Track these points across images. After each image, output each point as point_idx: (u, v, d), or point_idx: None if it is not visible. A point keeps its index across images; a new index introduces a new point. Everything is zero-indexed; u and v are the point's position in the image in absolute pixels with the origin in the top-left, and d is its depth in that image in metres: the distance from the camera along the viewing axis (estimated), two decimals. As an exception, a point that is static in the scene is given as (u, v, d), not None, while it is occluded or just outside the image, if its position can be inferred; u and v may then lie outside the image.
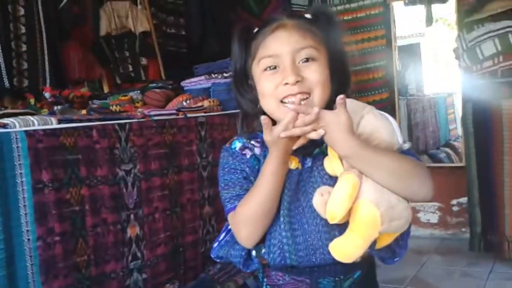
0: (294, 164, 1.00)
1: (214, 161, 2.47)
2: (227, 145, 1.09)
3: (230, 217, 1.02)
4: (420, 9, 4.04)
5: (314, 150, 1.01)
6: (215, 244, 1.08)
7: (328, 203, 0.91)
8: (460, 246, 3.53)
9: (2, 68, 2.61)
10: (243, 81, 1.07)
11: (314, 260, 0.96)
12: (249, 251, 1.01)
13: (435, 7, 3.98)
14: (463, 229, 3.71)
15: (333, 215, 0.90)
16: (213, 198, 2.44)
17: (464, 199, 3.60)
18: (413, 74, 4.63)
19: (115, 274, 1.89)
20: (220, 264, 2.28)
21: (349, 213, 0.91)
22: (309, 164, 1.00)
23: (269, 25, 1.01)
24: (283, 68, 0.98)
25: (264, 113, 1.03)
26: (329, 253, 0.94)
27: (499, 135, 3.09)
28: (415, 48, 4.74)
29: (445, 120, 4.65)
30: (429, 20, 4.07)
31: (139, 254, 2.00)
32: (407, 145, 0.99)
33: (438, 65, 4.88)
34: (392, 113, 3.85)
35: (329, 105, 0.99)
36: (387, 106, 3.89)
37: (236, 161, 1.04)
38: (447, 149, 4.31)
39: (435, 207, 3.80)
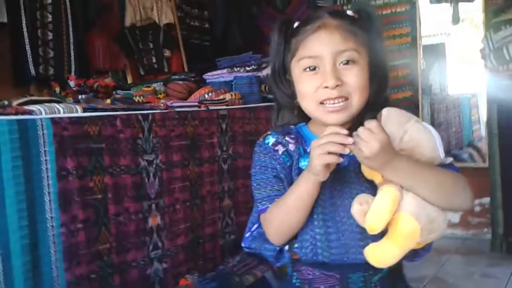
0: None
1: (234, 154, 2.47)
2: (261, 139, 1.09)
3: (261, 218, 1.04)
4: (446, 8, 3.98)
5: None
6: (247, 234, 1.08)
7: (368, 216, 0.91)
8: (481, 246, 3.49)
9: (28, 56, 2.66)
10: (281, 75, 1.07)
11: (346, 258, 0.97)
12: (282, 247, 1.02)
13: (462, 6, 3.92)
14: (485, 230, 3.66)
15: (373, 228, 0.91)
16: (233, 191, 2.45)
17: (486, 200, 3.55)
18: (437, 73, 4.57)
19: (136, 263, 1.90)
20: (239, 256, 2.29)
21: (388, 223, 0.92)
22: (345, 163, 1.00)
23: (311, 23, 1.00)
24: (323, 71, 0.98)
25: (300, 108, 1.05)
26: (361, 253, 0.95)
27: (524, 137, 3.04)
28: (440, 48, 4.68)
29: (468, 121, 4.58)
30: (456, 19, 4.01)
31: (159, 244, 2.01)
32: (449, 160, 0.99)
33: (463, 65, 4.81)
34: (416, 112, 3.81)
35: (367, 107, 1.00)
36: (411, 105, 3.85)
37: (267, 158, 1.05)
38: (470, 150, 4.25)
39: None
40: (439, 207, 0.94)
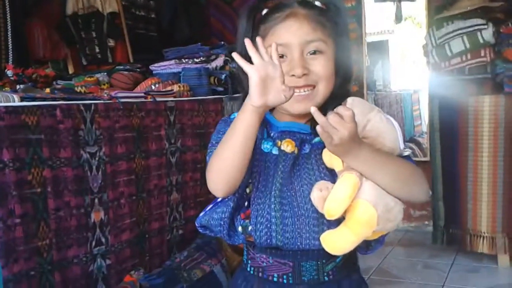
0: (290, 147, 1.00)
1: (183, 147, 2.42)
2: (226, 116, 1.10)
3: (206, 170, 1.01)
4: (390, 6, 4.08)
5: (314, 138, 1.01)
6: (201, 214, 1.07)
7: (327, 201, 0.91)
8: (422, 238, 3.60)
9: (-39, 43, 2.49)
10: (248, 60, 1.05)
11: (299, 243, 0.97)
12: (231, 221, 1.01)
13: (405, 4, 4.03)
14: (426, 222, 3.79)
15: (331, 213, 0.91)
16: (181, 185, 2.40)
17: (427, 193, 3.67)
18: (381, 70, 4.69)
19: (78, 259, 1.82)
20: (187, 251, 2.24)
21: (345, 209, 0.92)
22: (307, 150, 1.01)
23: (281, 11, 1.00)
24: (290, 59, 0.99)
25: None
26: (315, 239, 0.96)
27: (465, 132, 3.15)
28: (383, 45, 4.80)
29: (410, 116, 4.73)
30: (399, 17, 4.13)
31: (103, 240, 1.93)
32: (407, 152, 1.00)
33: (405, 62, 4.95)
34: (361, 106, 3.88)
35: (331, 98, 1.01)
36: (356, 100, 3.91)
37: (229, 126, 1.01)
38: (412, 145, 4.38)
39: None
40: (397, 196, 0.95)
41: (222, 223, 1.02)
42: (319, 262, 1.00)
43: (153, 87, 2.51)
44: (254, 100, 0.88)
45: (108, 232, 1.96)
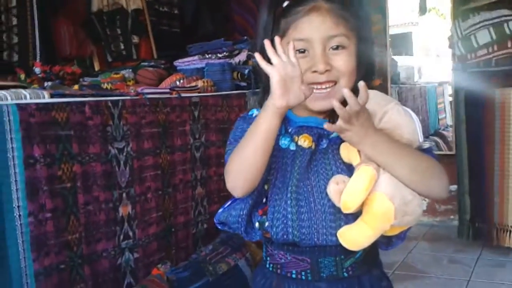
0: (307, 142, 1.00)
1: (207, 142, 2.44)
2: (244, 113, 1.10)
3: (225, 169, 1.01)
4: (414, -2, 4.04)
5: (332, 133, 1.00)
6: (220, 210, 1.07)
7: (343, 194, 0.91)
8: (448, 233, 3.57)
9: (-9, 42, 2.55)
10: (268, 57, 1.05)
11: (316, 239, 0.96)
12: (249, 218, 1.01)
13: (429, -4, 3.98)
14: (452, 217, 3.75)
15: (348, 206, 0.90)
16: (206, 180, 2.42)
17: (453, 187, 3.62)
18: (404, 62, 4.64)
19: (107, 253, 1.86)
20: (212, 245, 2.27)
21: (362, 203, 0.92)
22: (324, 145, 1.00)
23: (303, 5, 0.98)
24: (313, 55, 0.97)
25: None
26: (332, 234, 0.95)
27: (491, 124, 3.11)
28: (407, 37, 4.75)
29: (435, 109, 4.67)
30: (423, 9, 4.07)
31: (130, 234, 1.97)
32: (427, 144, 1.00)
33: (430, 54, 4.89)
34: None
35: (354, 93, 0.98)
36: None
37: (247, 124, 1.02)
38: (436, 138, 4.34)
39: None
40: (415, 190, 0.94)
41: (240, 219, 1.01)
42: (337, 258, 0.99)
43: (177, 83, 2.53)
44: (276, 101, 0.88)
45: (136, 226, 2.00)
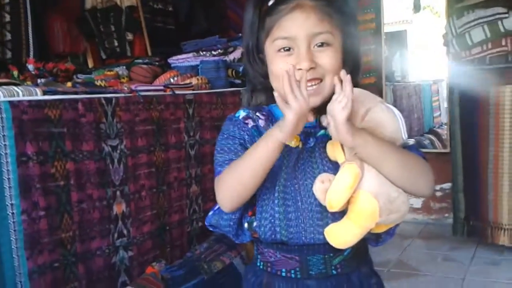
0: (294, 142, 0.98)
1: (201, 139, 2.43)
2: (231, 114, 1.08)
3: (216, 179, 1.01)
4: (408, -4, 4.04)
5: (319, 131, 1.00)
6: (210, 213, 1.07)
7: (328, 192, 0.91)
8: (443, 231, 3.58)
9: (-17, 38, 2.53)
10: (255, 54, 1.05)
11: (304, 238, 0.97)
12: (239, 221, 1.01)
13: (424, -7, 3.98)
14: (446, 215, 3.76)
15: (332, 204, 0.91)
16: (200, 177, 2.41)
17: (447, 185, 3.64)
18: (399, 60, 4.64)
19: (101, 251, 1.85)
20: (207, 243, 2.26)
21: (348, 201, 0.92)
22: (312, 144, 1.00)
23: (287, 3, 0.98)
24: (297, 52, 0.97)
25: (273, 89, 1.01)
26: (319, 233, 0.95)
27: (485, 122, 3.11)
28: (402, 35, 4.75)
29: (429, 107, 4.68)
30: (417, 7, 4.07)
31: (125, 232, 1.96)
32: (411, 142, 0.99)
33: (424, 52, 4.90)
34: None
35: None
36: (374, 91, 3.87)
37: (236, 128, 1.03)
38: (431, 136, 4.34)
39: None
40: (400, 187, 0.94)
41: (231, 223, 1.01)
42: (326, 256, 0.99)
43: (172, 80, 2.52)
44: (286, 138, 0.89)
45: (130, 224, 1.99)
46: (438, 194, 3.78)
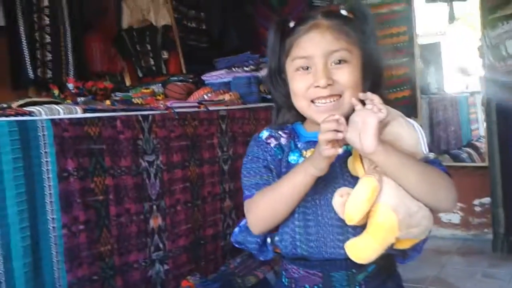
0: None
1: (234, 154, 2.45)
2: (256, 134, 1.12)
3: (246, 203, 1.05)
4: (442, 7, 4.00)
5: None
6: (236, 229, 1.10)
7: (346, 205, 0.92)
8: (482, 247, 3.48)
9: (26, 59, 2.64)
10: (277, 74, 1.09)
11: (324, 253, 0.98)
12: (265, 239, 1.04)
13: (456, 5, 3.94)
14: (486, 230, 3.65)
15: (351, 218, 0.91)
16: (234, 192, 2.43)
17: (486, 200, 3.55)
18: (434, 73, 4.58)
19: (138, 264, 1.88)
20: (241, 257, 2.27)
21: (367, 215, 0.92)
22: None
23: (304, 24, 1.02)
24: (315, 70, 1.00)
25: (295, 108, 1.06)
26: (340, 248, 0.96)
27: (524, 134, 3.04)
28: (436, 47, 4.70)
29: (467, 120, 4.59)
30: (451, 18, 4.02)
31: (161, 245, 1.99)
32: (432, 156, 0.99)
33: (459, 64, 4.83)
34: (414, 111, 3.81)
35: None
36: (409, 105, 3.84)
37: (260, 149, 1.07)
38: (469, 149, 4.25)
39: (456, 207, 3.74)
40: (422, 201, 0.94)
41: (258, 240, 1.04)
42: (349, 272, 0.99)
43: (205, 96, 2.57)
44: (320, 173, 0.93)
45: (166, 238, 2.02)
46: (477, 209, 3.69)
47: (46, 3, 2.77)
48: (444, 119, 4.35)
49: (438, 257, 3.30)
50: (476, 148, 4.22)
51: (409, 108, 3.79)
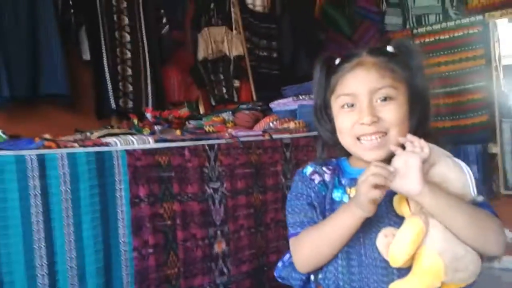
0: None
1: (300, 181, 2.49)
2: (300, 169, 1.14)
3: (291, 241, 1.06)
4: (524, 26, 3.83)
5: None
6: (280, 264, 1.11)
7: (391, 246, 0.90)
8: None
9: (109, 90, 2.87)
10: (323, 110, 1.10)
11: None
12: (309, 276, 1.04)
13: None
14: None
15: (395, 260, 0.90)
16: (298, 218, 2.47)
17: None
18: (519, 95, 4.35)
19: (202, 288, 1.98)
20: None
21: (413, 257, 0.90)
22: None
23: (349, 62, 1.03)
24: (360, 108, 1.00)
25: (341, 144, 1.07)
26: None
27: None
28: (520, 68, 4.46)
29: (554, 144, 4.30)
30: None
31: (225, 270, 2.08)
32: (480, 198, 0.96)
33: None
34: (493, 137, 3.66)
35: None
36: (487, 129, 3.69)
37: (304, 185, 1.07)
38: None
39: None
40: (469, 244, 0.91)
41: (303, 277, 1.04)
42: None
43: (271, 124, 2.65)
44: (369, 214, 0.93)
45: (230, 263, 2.10)
46: None
47: (127, 38, 3.00)
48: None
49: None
50: None
51: (486, 133, 3.64)
